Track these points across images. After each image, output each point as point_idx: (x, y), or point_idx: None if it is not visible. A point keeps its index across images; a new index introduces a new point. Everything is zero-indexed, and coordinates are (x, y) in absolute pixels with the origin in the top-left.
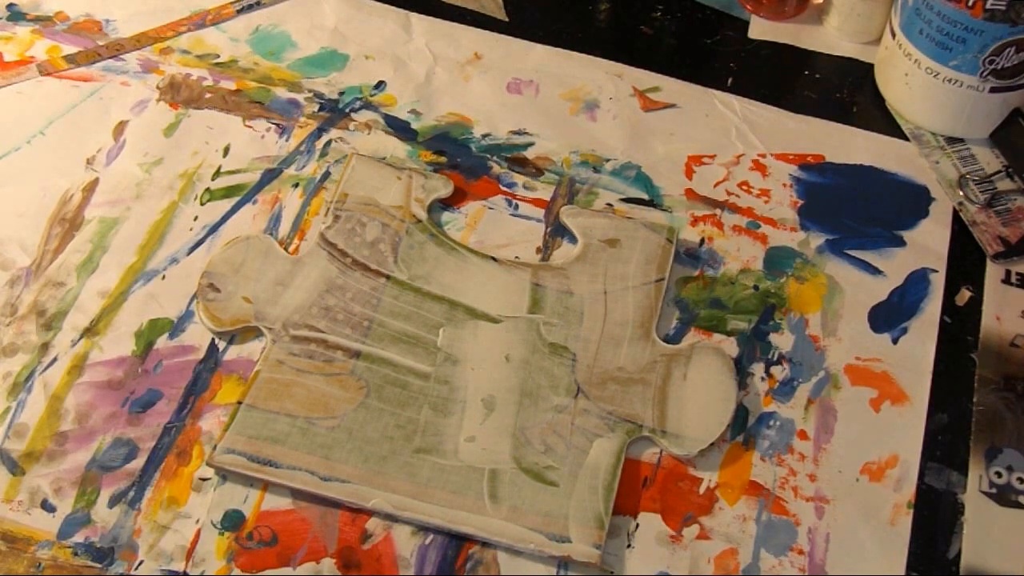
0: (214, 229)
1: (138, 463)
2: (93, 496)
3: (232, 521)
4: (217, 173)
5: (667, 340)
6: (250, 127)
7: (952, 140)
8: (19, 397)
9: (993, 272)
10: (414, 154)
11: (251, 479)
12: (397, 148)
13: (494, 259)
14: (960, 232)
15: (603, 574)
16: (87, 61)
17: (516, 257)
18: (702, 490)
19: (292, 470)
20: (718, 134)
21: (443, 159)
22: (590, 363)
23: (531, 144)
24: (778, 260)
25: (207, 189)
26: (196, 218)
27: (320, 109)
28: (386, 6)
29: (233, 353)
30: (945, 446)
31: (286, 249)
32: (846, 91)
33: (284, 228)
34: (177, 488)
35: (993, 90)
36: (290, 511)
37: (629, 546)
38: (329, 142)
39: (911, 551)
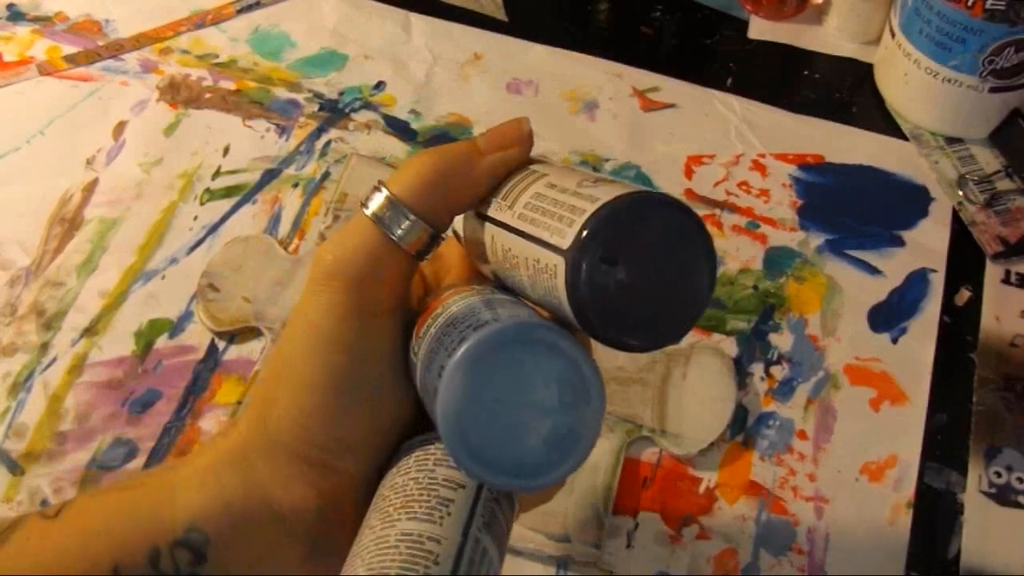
0: (214, 229)
1: (138, 463)
2: None
3: None
4: (217, 173)
5: None
6: (250, 127)
7: (951, 140)
8: (19, 397)
9: (993, 272)
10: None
11: None
12: (397, 148)
13: None
14: (960, 232)
15: (603, 574)
16: (87, 61)
17: None
18: (702, 490)
19: None
20: (718, 134)
21: None
22: None
23: None
24: (777, 260)
25: (207, 189)
26: (196, 218)
27: (320, 109)
28: (386, 6)
29: (233, 353)
30: (945, 446)
31: (286, 249)
32: (846, 91)
33: (284, 228)
34: None
35: (992, 90)
36: None
37: (629, 546)
38: (329, 142)
39: (910, 551)
